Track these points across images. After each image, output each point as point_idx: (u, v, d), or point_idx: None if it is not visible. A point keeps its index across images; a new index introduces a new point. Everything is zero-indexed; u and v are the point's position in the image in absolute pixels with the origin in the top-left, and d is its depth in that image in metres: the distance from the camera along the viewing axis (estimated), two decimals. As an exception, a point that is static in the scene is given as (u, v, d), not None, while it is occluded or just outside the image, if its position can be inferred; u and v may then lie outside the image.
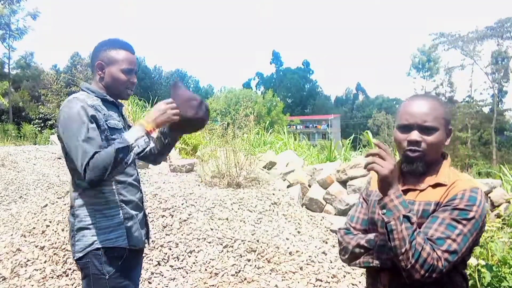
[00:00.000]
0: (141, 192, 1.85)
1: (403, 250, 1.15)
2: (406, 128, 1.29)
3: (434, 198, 1.26)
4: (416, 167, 1.29)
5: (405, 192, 1.31)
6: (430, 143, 1.26)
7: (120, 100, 1.85)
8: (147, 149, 1.63)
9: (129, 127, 1.91)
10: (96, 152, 1.51)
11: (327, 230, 4.49)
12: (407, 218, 1.17)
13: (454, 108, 34.55)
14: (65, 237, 3.59)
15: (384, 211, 1.19)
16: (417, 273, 1.15)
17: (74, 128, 1.55)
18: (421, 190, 1.30)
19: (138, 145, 1.57)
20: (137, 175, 1.84)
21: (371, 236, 1.33)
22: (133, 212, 1.74)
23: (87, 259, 1.63)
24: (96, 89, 1.74)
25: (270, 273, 3.36)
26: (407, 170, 1.32)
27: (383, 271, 1.30)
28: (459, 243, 1.17)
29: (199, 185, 5.24)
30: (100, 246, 1.62)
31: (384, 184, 1.19)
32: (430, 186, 1.29)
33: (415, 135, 1.26)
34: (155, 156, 1.96)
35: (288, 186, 5.67)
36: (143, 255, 3.34)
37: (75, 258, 1.67)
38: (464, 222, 1.18)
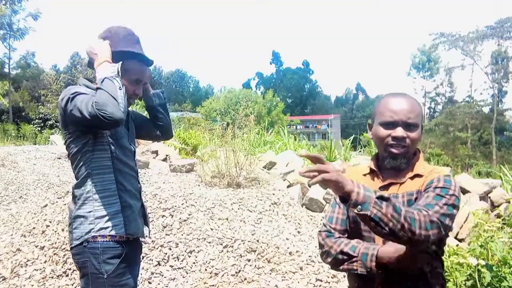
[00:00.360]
0: (139, 183, 1.87)
1: (399, 226, 1.12)
2: (390, 125, 1.32)
3: (415, 187, 1.33)
4: (400, 163, 1.33)
5: (388, 186, 1.36)
6: (413, 139, 1.32)
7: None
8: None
9: (131, 118, 1.95)
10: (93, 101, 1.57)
11: (327, 230, 4.48)
12: (381, 197, 1.14)
13: (454, 108, 34.54)
14: (65, 237, 3.59)
15: (359, 207, 1.11)
16: (423, 236, 1.14)
17: (73, 97, 1.60)
18: (402, 183, 1.35)
19: (112, 71, 1.61)
20: (136, 166, 1.85)
21: (354, 242, 1.33)
22: (131, 201, 1.74)
23: (85, 258, 1.63)
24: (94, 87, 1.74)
25: (270, 273, 3.36)
26: (391, 166, 1.35)
27: (375, 275, 1.29)
28: (446, 210, 1.20)
29: (199, 185, 5.24)
30: (96, 234, 1.63)
31: (339, 186, 1.13)
32: (409, 178, 1.35)
33: (400, 131, 1.30)
34: (161, 126, 2.02)
35: (288, 186, 5.67)
36: (143, 255, 3.36)
37: (72, 246, 1.67)
38: (447, 196, 1.23)
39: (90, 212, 1.65)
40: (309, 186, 1.14)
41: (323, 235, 1.41)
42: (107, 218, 1.66)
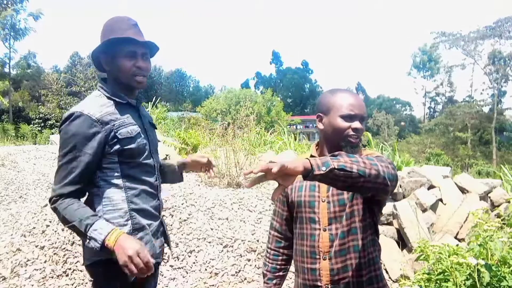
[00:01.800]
0: (159, 200, 1.73)
1: (362, 165, 1.19)
2: (350, 118, 1.45)
3: None
4: (356, 151, 1.48)
5: None
6: (363, 131, 1.49)
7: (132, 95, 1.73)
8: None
9: (151, 124, 1.81)
10: (72, 193, 1.48)
11: (327, 230, 4.48)
12: (332, 155, 1.21)
13: (454, 108, 34.57)
14: (65, 237, 3.59)
15: (324, 168, 1.14)
16: (383, 167, 1.24)
17: (63, 148, 1.50)
18: None
19: (100, 240, 1.42)
20: (156, 181, 1.71)
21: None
22: (145, 222, 1.61)
23: (99, 268, 1.54)
24: (110, 89, 1.63)
25: (270, 273, 3.36)
26: (350, 153, 1.45)
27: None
28: (386, 163, 1.31)
29: (199, 185, 5.24)
30: (104, 258, 1.49)
31: (295, 168, 1.14)
32: None
33: (359, 124, 1.45)
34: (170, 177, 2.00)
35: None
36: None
37: (83, 264, 1.60)
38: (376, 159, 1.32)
39: None
40: (273, 200, 1.18)
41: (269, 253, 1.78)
42: None
